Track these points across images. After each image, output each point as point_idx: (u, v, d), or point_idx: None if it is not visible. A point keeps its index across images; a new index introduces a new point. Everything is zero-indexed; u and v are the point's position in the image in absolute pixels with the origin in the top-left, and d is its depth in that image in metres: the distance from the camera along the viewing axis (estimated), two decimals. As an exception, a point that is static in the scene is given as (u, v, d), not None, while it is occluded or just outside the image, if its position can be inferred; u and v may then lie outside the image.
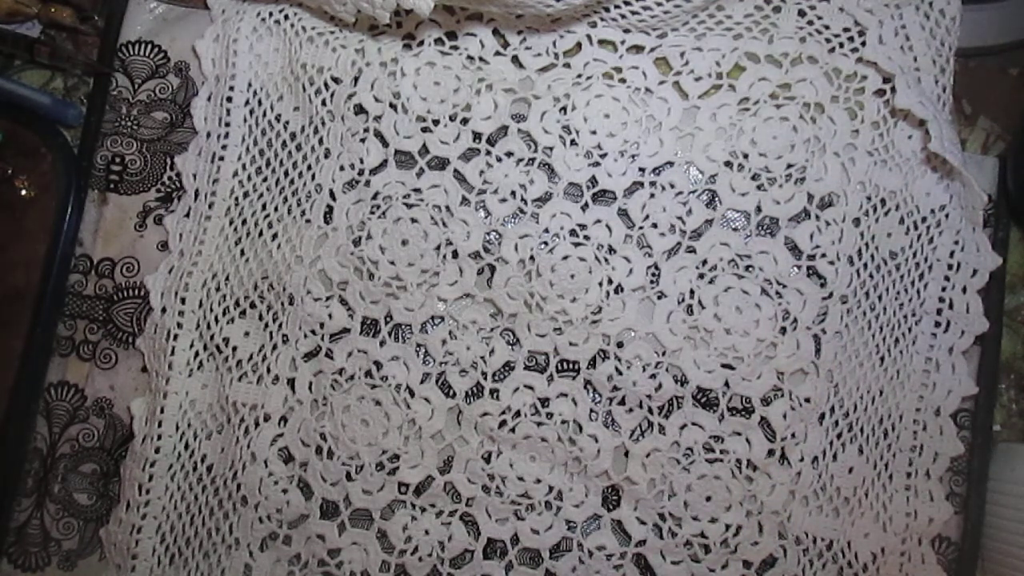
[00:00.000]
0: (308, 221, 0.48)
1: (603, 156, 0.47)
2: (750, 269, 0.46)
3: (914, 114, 0.45)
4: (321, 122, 0.49)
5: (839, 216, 0.46)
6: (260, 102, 0.50)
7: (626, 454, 0.46)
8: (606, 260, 0.47)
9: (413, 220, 0.48)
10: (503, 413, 0.46)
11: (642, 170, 0.47)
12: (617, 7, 0.47)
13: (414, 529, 0.46)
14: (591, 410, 0.46)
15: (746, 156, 0.47)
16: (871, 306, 0.46)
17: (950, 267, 0.46)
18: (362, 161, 0.48)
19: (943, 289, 0.46)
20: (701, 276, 0.47)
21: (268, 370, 0.48)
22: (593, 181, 0.48)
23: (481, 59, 0.49)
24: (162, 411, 0.48)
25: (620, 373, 0.46)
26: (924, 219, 0.46)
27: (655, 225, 0.47)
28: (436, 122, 0.48)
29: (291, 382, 0.48)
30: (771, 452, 0.45)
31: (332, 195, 0.48)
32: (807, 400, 0.46)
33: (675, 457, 0.46)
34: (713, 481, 0.45)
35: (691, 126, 0.48)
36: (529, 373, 0.47)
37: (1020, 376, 0.48)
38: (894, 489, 0.45)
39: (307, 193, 0.49)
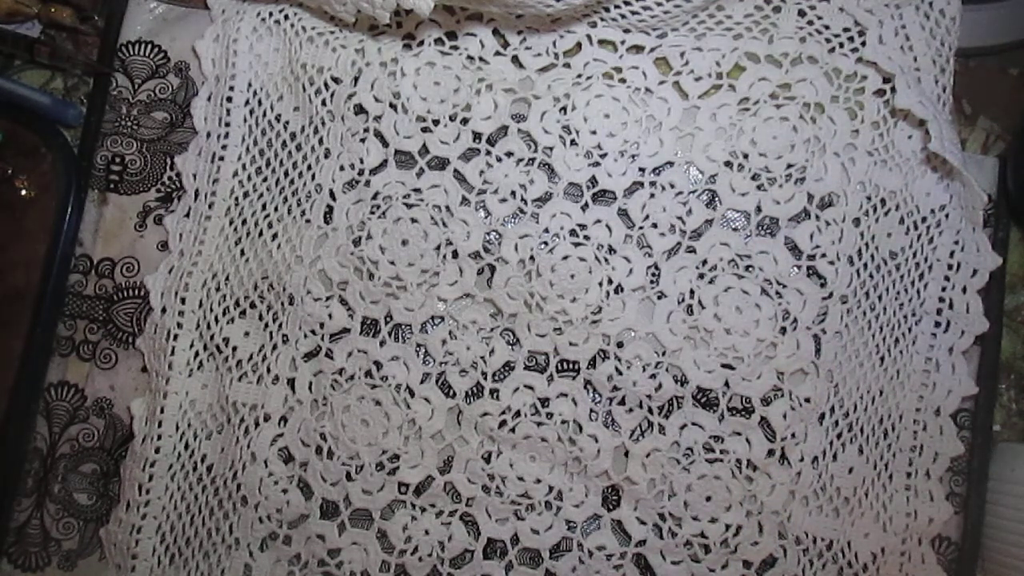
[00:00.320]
0: (308, 221, 0.48)
1: (603, 156, 0.47)
2: (750, 269, 0.46)
3: (914, 114, 0.45)
4: (321, 122, 0.49)
5: (839, 216, 0.46)
6: (260, 102, 0.50)
7: (626, 454, 0.46)
8: (606, 260, 0.47)
9: (413, 220, 0.48)
10: (503, 413, 0.46)
11: (642, 170, 0.47)
12: (617, 7, 0.47)
13: (414, 529, 0.46)
14: (591, 410, 0.46)
15: (746, 156, 0.47)
16: (871, 306, 0.46)
17: (950, 267, 0.46)
18: (362, 161, 0.48)
19: (943, 289, 0.46)
20: (701, 276, 0.47)
21: (268, 370, 0.48)
22: (593, 181, 0.48)
23: (481, 59, 0.49)
24: (162, 411, 0.48)
25: (620, 373, 0.46)
26: (924, 219, 0.46)
27: (655, 225, 0.47)
28: (436, 122, 0.48)
29: (291, 382, 0.48)
30: (771, 452, 0.45)
31: (332, 195, 0.48)
32: (807, 400, 0.46)
33: (675, 457, 0.46)
34: (713, 481, 0.45)
35: (691, 126, 0.48)
36: (529, 373, 0.47)
37: (1020, 376, 0.48)
38: (894, 489, 0.45)
39: (307, 193, 0.49)
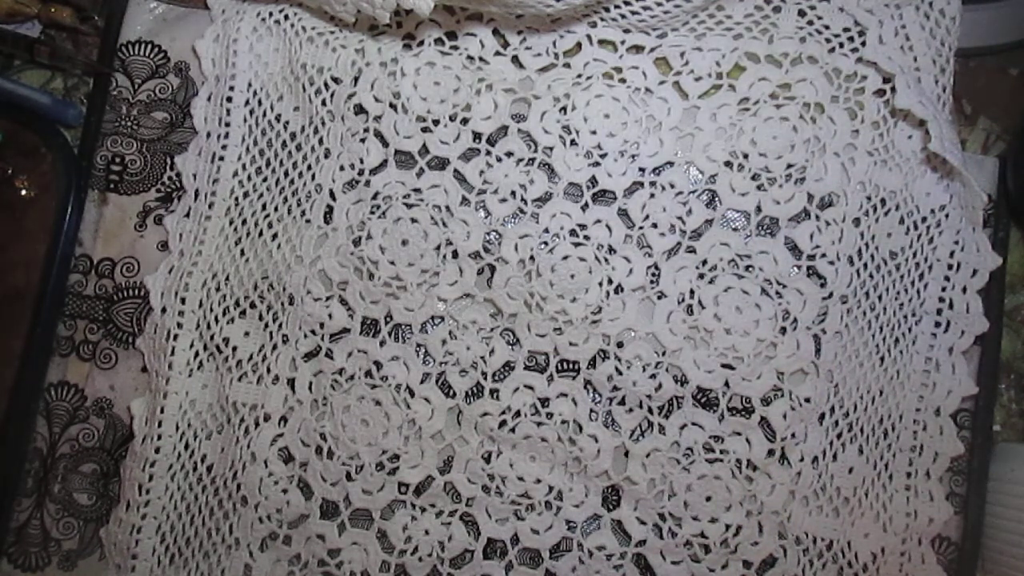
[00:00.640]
0: (308, 221, 0.48)
1: (603, 156, 0.47)
2: (750, 269, 0.46)
3: (914, 114, 0.45)
4: (321, 122, 0.49)
5: (839, 216, 0.46)
6: (260, 102, 0.50)
7: (626, 454, 0.46)
8: (606, 260, 0.47)
9: (413, 220, 0.48)
10: (503, 413, 0.46)
11: (642, 170, 0.47)
12: (617, 7, 0.47)
13: (414, 529, 0.46)
14: (591, 410, 0.46)
15: (746, 156, 0.47)
16: (871, 306, 0.46)
17: (950, 267, 0.46)
18: (362, 161, 0.48)
19: (943, 289, 0.46)
20: (701, 276, 0.47)
21: (268, 370, 0.48)
22: (593, 181, 0.48)
23: (481, 59, 0.49)
24: (162, 411, 0.48)
25: (620, 373, 0.46)
26: (924, 219, 0.46)
27: (655, 225, 0.47)
28: (436, 122, 0.48)
29: (291, 382, 0.48)
30: (771, 452, 0.45)
31: (332, 195, 0.48)
32: (807, 400, 0.46)
33: (675, 457, 0.46)
34: (713, 481, 0.45)
35: (691, 126, 0.48)
36: (529, 373, 0.47)
37: (1020, 376, 0.48)
38: (894, 489, 0.45)
39: (307, 193, 0.49)
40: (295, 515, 0.47)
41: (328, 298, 0.47)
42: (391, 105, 0.48)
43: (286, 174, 0.49)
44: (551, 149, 0.48)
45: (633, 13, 0.47)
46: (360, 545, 0.47)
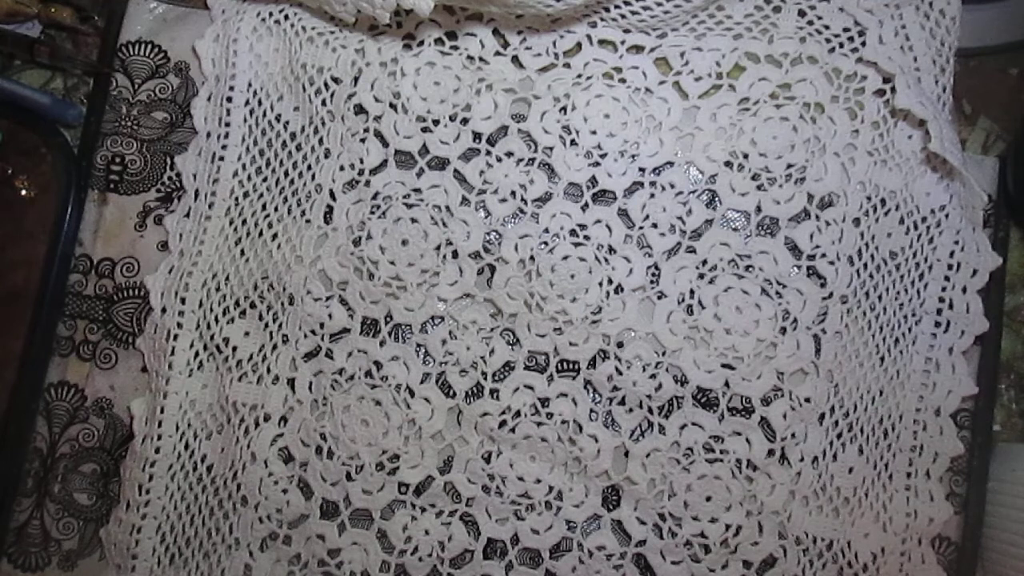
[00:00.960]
0: (308, 221, 0.48)
1: (603, 156, 0.47)
2: (750, 269, 0.46)
3: (914, 114, 0.45)
4: (321, 122, 0.49)
5: (839, 216, 0.46)
6: (260, 102, 0.50)
7: (626, 454, 0.46)
8: (606, 260, 0.47)
9: (413, 220, 0.48)
10: (503, 413, 0.46)
11: (642, 170, 0.47)
12: (617, 7, 0.47)
13: (414, 529, 0.46)
14: (591, 410, 0.46)
15: (746, 156, 0.47)
16: (871, 306, 0.46)
17: (950, 267, 0.46)
18: (362, 161, 0.48)
19: (943, 289, 0.46)
20: (701, 276, 0.47)
21: (268, 370, 0.48)
22: (593, 181, 0.48)
23: (481, 59, 0.49)
24: (162, 411, 0.48)
25: (620, 373, 0.46)
26: (924, 219, 0.46)
27: (655, 225, 0.47)
28: (436, 122, 0.48)
29: (291, 382, 0.48)
30: (771, 452, 0.45)
31: (332, 195, 0.48)
32: (807, 400, 0.46)
33: (675, 457, 0.46)
34: (713, 481, 0.45)
35: (691, 126, 0.48)
36: (529, 373, 0.47)
37: (1020, 376, 0.48)
38: (894, 489, 0.45)
39: (307, 193, 0.49)
40: (295, 515, 0.47)
41: (328, 298, 0.47)
42: (391, 105, 0.48)
43: (286, 174, 0.49)
44: (551, 149, 0.48)
45: (633, 13, 0.47)
46: (360, 545, 0.47)
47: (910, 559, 0.45)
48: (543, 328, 0.46)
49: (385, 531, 0.47)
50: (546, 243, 0.47)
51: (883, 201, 0.47)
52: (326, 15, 0.50)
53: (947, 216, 0.46)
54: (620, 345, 0.46)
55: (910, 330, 0.46)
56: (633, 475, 0.46)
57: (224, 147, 0.50)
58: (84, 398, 0.50)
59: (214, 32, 0.50)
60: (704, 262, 0.47)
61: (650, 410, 0.46)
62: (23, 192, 0.50)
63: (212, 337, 0.48)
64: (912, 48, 0.46)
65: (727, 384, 0.46)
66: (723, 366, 0.46)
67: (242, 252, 0.49)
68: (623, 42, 0.48)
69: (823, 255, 0.46)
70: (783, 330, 0.46)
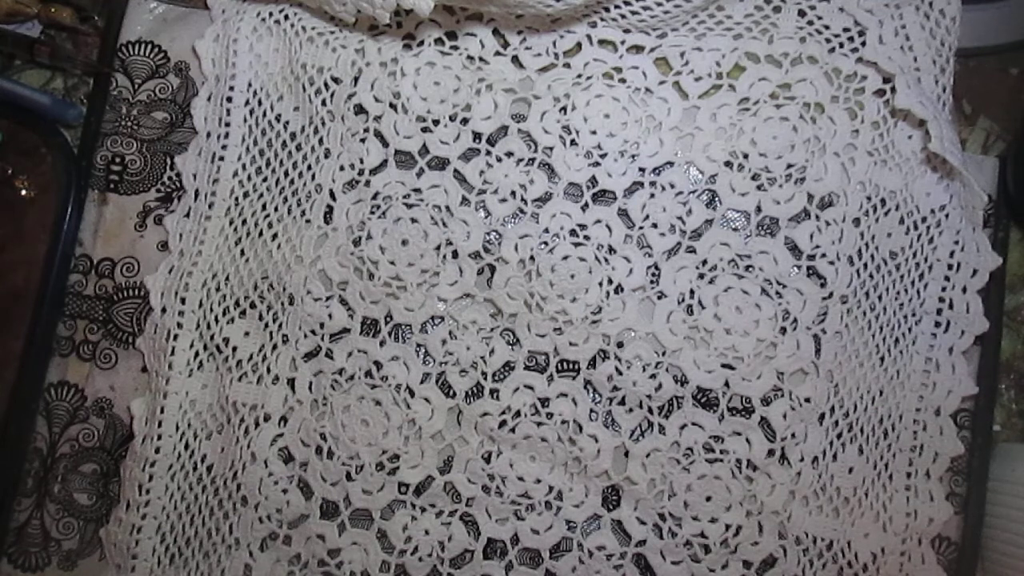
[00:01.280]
0: (308, 221, 0.48)
1: (603, 156, 0.47)
2: (750, 269, 0.46)
3: (914, 114, 0.45)
4: (321, 122, 0.49)
5: (839, 216, 0.46)
6: (260, 102, 0.50)
7: (626, 454, 0.46)
8: (606, 260, 0.47)
9: (413, 220, 0.48)
10: (503, 413, 0.46)
11: (642, 170, 0.47)
12: (617, 7, 0.47)
13: (414, 529, 0.46)
14: (591, 410, 0.46)
15: (746, 156, 0.47)
16: (871, 306, 0.46)
17: (950, 267, 0.46)
18: (362, 161, 0.48)
19: (943, 289, 0.46)
20: (701, 276, 0.47)
21: (268, 370, 0.48)
22: (593, 181, 0.48)
23: (481, 59, 0.49)
24: (162, 411, 0.48)
25: (620, 373, 0.46)
26: (924, 219, 0.46)
27: (655, 225, 0.47)
28: (436, 122, 0.48)
29: (291, 382, 0.48)
30: (771, 452, 0.45)
31: (332, 195, 0.48)
32: (807, 400, 0.46)
33: (675, 457, 0.46)
34: (713, 481, 0.45)
35: (691, 126, 0.48)
36: (529, 373, 0.47)
37: (1020, 376, 0.48)
38: (894, 489, 0.45)
39: (307, 193, 0.49)
40: (295, 515, 0.47)
41: (328, 298, 0.47)
42: (391, 105, 0.48)
43: (286, 174, 0.49)
44: (551, 149, 0.48)
45: (633, 13, 0.47)
46: (360, 545, 0.47)
47: (910, 559, 0.45)
48: (543, 328, 0.46)
49: (385, 531, 0.47)
50: (546, 243, 0.47)
51: (883, 201, 0.47)
52: (326, 15, 0.50)
53: (947, 216, 0.46)
54: (620, 345, 0.46)
55: (910, 330, 0.46)
56: (633, 475, 0.46)
57: (224, 147, 0.50)
58: (84, 398, 0.50)
59: (214, 32, 0.50)
60: (704, 262, 0.47)
61: (650, 410, 0.46)
62: (23, 192, 0.50)
63: (212, 337, 0.48)
64: (912, 48, 0.46)
65: (727, 384, 0.46)
66: (723, 366, 0.46)
67: (242, 252, 0.49)
68: (623, 42, 0.48)
69: (823, 255, 0.46)
70: (783, 330, 0.46)
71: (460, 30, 0.49)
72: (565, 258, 0.47)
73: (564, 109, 0.48)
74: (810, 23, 0.48)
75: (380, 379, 0.47)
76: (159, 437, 0.47)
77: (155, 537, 0.47)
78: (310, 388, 0.47)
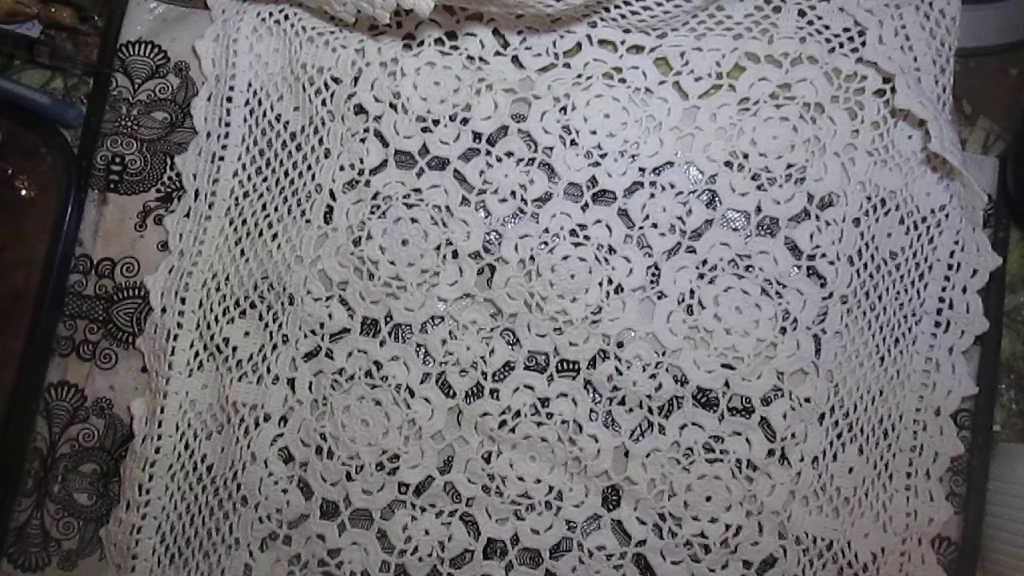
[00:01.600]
0: (308, 221, 0.48)
1: (603, 156, 0.47)
2: (750, 269, 0.46)
3: (914, 114, 0.45)
4: (321, 122, 0.49)
5: (839, 216, 0.46)
6: (260, 102, 0.50)
7: (626, 454, 0.46)
8: (606, 260, 0.47)
9: (413, 220, 0.48)
10: (503, 413, 0.46)
11: (642, 170, 0.47)
12: (617, 7, 0.47)
13: (414, 529, 0.46)
14: (591, 410, 0.46)
15: (746, 156, 0.47)
16: (871, 306, 0.46)
17: (950, 267, 0.46)
18: (362, 161, 0.48)
19: (943, 289, 0.46)
20: (701, 276, 0.47)
21: (268, 370, 0.48)
22: (593, 181, 0.48)
23: (481, 59, 0.49)
24: (162, 411, 0.48)
25: (620, 373, 0.46)
26: (924, 219, 0.46)
27: (655, 225, 0.47)
28: (436, 122, 0.48)
29: (291, 382, 0.48)
30: (771, 452, 0.45)
31: (332, 195, 0.48)
32: (807, 400, 0.46)
33: (675, 457, 0.46)
34: (713, 481, 0.45)
35: (691, 126, 0.48)
36: (529, 373, 0.47)
37: (1020, 376, 0.48)
38: (894, 489, 0.45)
39: (307, 193, 0.49)
40: (295, 515, 0.47)
41: (328, 298, 0.47)
42: (391, 105, 0.48)
43: (286, 174, 0.49)
44: (551, 149, 0.48)
45: (633, 13, 0.47)
46: (360, 545, 0.47)
47: (910, 559, 0.45)
48: (543, 328, 0.46)
49: (385, 531, 0.47)
50: (546, 243, 0.47)
51: (883, 201, 0.47)
52: (326, 15, 0.50)
53: (947, 216, 0.46)
54: (620, 345, 0.46)
55: (910, 330, 0.46)
56: (633, 475, 0.46)
57: (224, 147, 0.50)
58: (84, 398, 0.50)
59: (214, 32, 0.50)
60: (704, 262, 0.47)
61: (650, 410, 0.46)
62: (23, 192, 0.50)
63: (212, 337, 0.48)
64: (912, 48, 0.46)
65: (727, 384, 0.46)
66: (723, 366, 0.46)
67: (242, 252, 0.49)
68: (623, 42, 0.48)
69: (823, 255, 0.46)
70: (783, 330, 0.46)
71: (460, 30, 0.49)
72: (565, 258, 0.47)
73: (564, 109, 0.48)
74: (810, 23, 0.48)
75: (380, 379, 0.47)
76: (159, 437, 0.47)
77: (155, 537, 0.47)
78: (310, 388, 0.47)
